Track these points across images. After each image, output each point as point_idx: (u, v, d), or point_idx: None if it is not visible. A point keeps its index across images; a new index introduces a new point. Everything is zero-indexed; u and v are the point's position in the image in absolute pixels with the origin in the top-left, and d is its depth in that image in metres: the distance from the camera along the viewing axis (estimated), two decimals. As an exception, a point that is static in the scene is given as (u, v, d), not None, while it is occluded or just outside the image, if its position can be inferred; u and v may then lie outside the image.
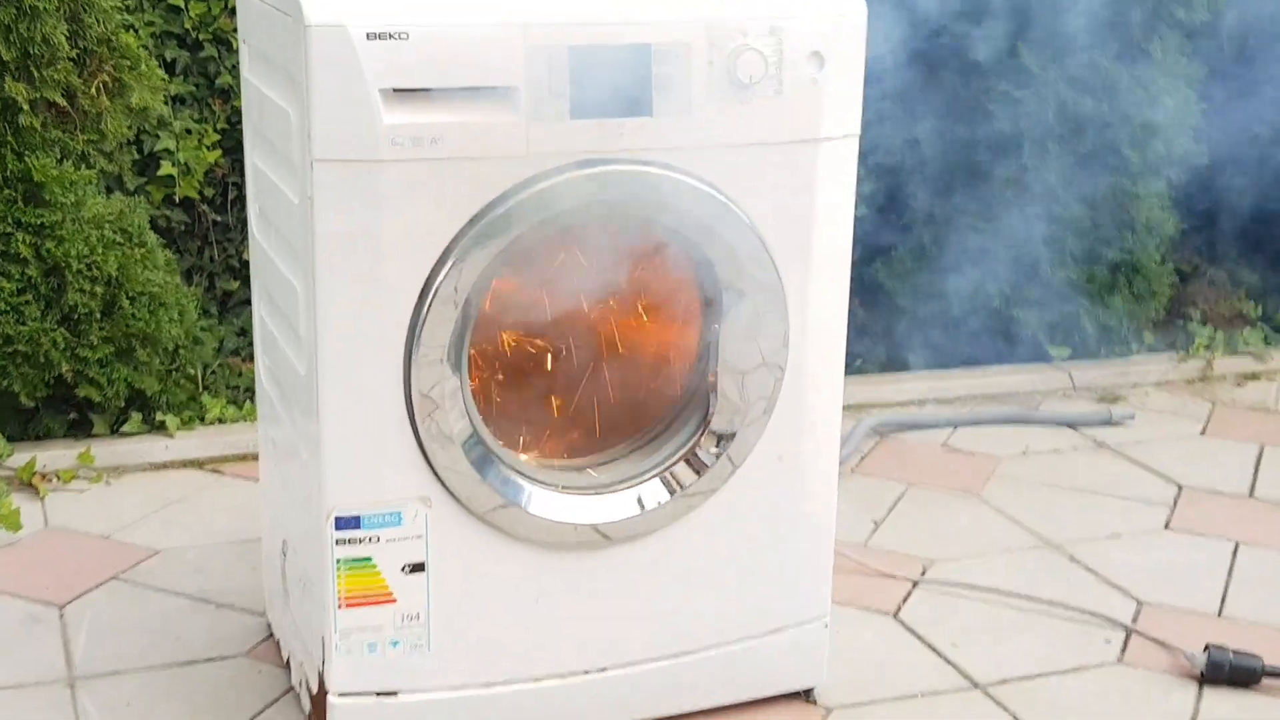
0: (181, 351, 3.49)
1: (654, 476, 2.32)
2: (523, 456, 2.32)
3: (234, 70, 4.02)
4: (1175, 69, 4.09)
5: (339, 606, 2.21)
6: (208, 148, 4.05)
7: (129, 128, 3.47)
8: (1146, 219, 4.12)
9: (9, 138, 3.25)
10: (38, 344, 3.24)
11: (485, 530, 2.25)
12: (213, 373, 3.83)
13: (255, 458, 3.28)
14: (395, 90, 2.03)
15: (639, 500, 2.31)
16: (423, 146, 2.05)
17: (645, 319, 2.36)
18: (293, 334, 2.25)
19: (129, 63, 3.39)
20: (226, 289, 4.23)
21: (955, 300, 4.13)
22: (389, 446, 2.17)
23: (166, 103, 3.95)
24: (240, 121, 4.04)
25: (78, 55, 3.33)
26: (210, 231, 4.19)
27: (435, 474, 2.19)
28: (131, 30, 3.55)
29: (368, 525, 2.19)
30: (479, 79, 2.06)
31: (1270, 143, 4.69)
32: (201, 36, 3.99)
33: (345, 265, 2.08)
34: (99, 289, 3.31)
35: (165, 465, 3.40)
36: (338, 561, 2.19)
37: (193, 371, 3.51)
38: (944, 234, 4.17)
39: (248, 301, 4.16)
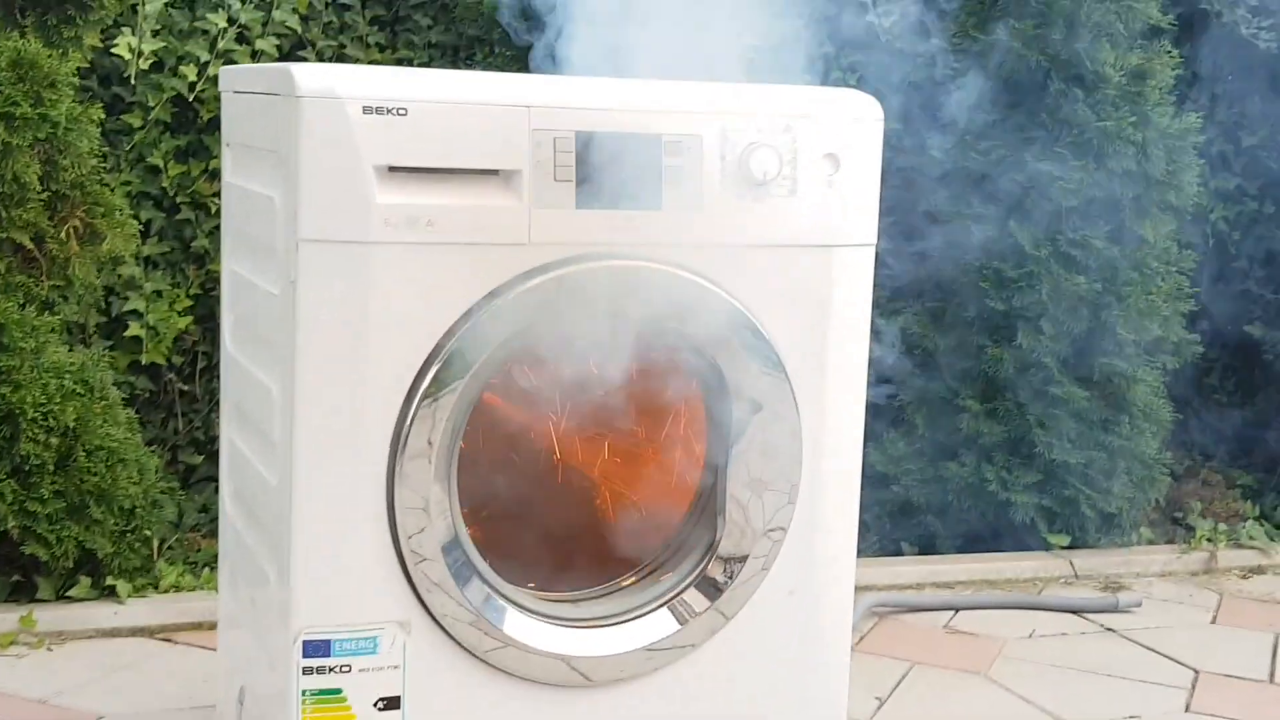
0: (139, 512, 3.28)
1: (660, 606, 2.12)
2: (514, 585, 2.11)
3: (211, 234, 3.91)
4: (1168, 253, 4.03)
5: (304, 744, 1.98)
6: (179, 313, 3.91)
7: (98, 277, 3.32)
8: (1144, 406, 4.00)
9: (-30, 280, 3.10)
10: (-16, 495, 3.04)
11: (471, 663, 2.04)
12: (170, 547, 3.61)
13: (213, 626, 3.06)
14: (390, 168, 1.91)
15: (646, 629, 2.11)
16: (418, 229, 1.92)
17: (648, 434, 2.19)
18: (265, 444, 2.07)
19: (102, 209, 3.27)
20: (190, 463, 4.04)
21: (951, 484, 3.97)
22: (367, 562, 1.98)
23: (138, 263, 3.83)
24: (215, 289, 3.93)
25: (49, 198, 3.21)
26: (176, 402, 4.03)
27: (417, 595, 2.00)
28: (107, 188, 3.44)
29: (339, 652, 1.98)
30: (480, 160, 1.94)
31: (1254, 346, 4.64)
32: (179, 199, 3.89)
33: (327, 357, 1.92)
34: (54, 440, 3.12)
35: (113, 632, 3.16)
36: (303, 694, 1.97)
37: (149, 534, 3.30)
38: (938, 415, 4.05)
39: (211, 478, 3.97)
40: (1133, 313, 3.92)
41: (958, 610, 3.61)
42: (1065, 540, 3.99)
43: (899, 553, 3.97)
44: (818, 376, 2.14)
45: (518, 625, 2.04)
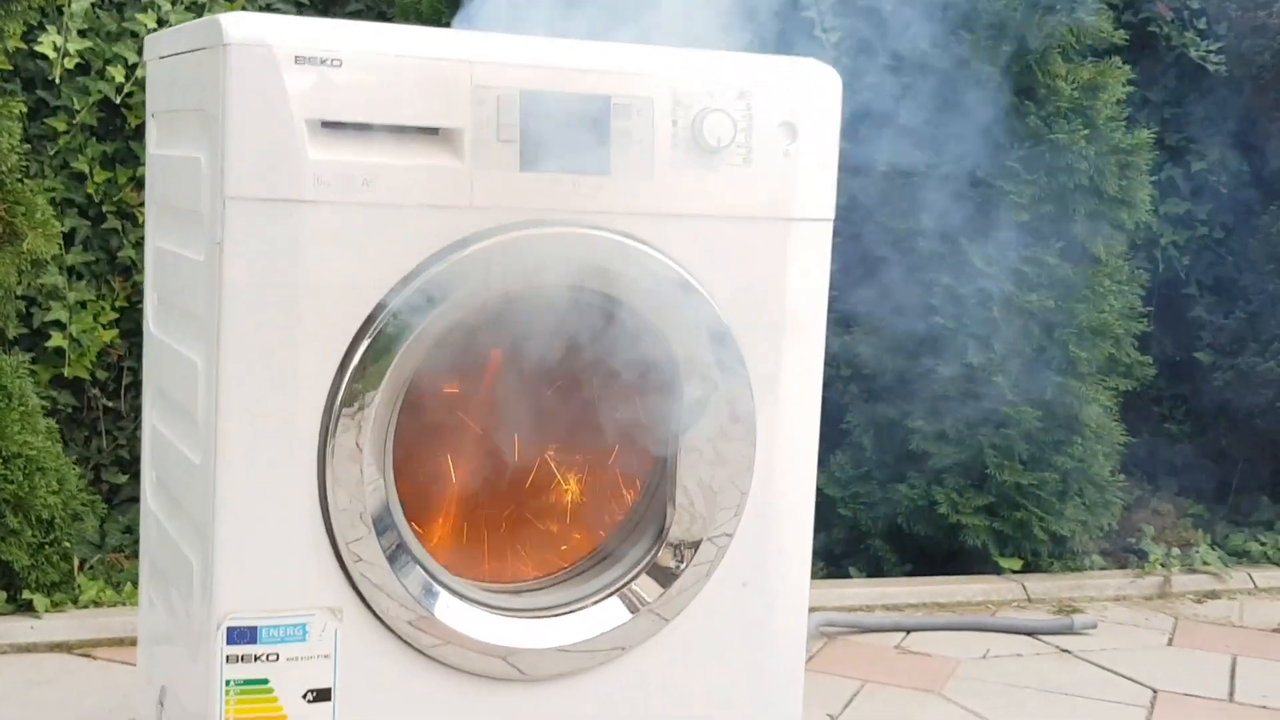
0: (58, 524, 3.13)
1: (611, 595, 2.00)
2: (452, 574, 1.99)
3: (137, 246, 3.77)
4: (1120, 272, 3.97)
5: (225, 741, 1.85)
6: (103, 325, 3.77)
7: (18, 280, 3.18)
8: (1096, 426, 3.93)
9: (-119, 276, 2.96)
10: (-108, 502, 2.88)
11: (406, 653, 1.92)
12: (91, 567, 3.46)
13: (134, 642, 2.91)
14: (324, 124, 1.80)
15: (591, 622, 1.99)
16: (352, 189, 1.81)
17: (595, 414, 2.07)
18: (189, 423, 1.95)
19: (23, 208, 3.14)
20: (114, 483, 3.89)
21: (901, 504, 3.88)
22: (296, 544, 1.85)
23: (62, 272, 3.69)
24: (141, 301, 3.79)
25: (-33, 194, 3.07)
26: (100, 419, 3.88)
27: (349, 580, 1.87)
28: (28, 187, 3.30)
29: (266, 639, 1.85)
30: (419, 117, 1.83)
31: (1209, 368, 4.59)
32: (105, 208, 3.76)
33: (255, 325, 1.80)
34: (-32, 446, 2.97)
35: (29, 647, 3.00)
36: (227, 684, 1.84)
37: (68, 546, 3.14)
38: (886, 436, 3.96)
39: (136, 499, 3.82)
40: (1085, 332, 3.86)
41: (909, 631, 3.50)
42: (1017, 564, 3.90)
43: (846, 578, 3.87)
44: (773, 355, 2.04)
45: (456, 613, 1.92)
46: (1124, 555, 4.23)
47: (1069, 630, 3.55)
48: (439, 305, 1.84)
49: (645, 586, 2.01)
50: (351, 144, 1.81)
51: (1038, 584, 3.84)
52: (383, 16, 4.07)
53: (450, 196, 1.85)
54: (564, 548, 2.08)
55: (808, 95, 2.03)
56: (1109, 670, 3.30)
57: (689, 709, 2.08)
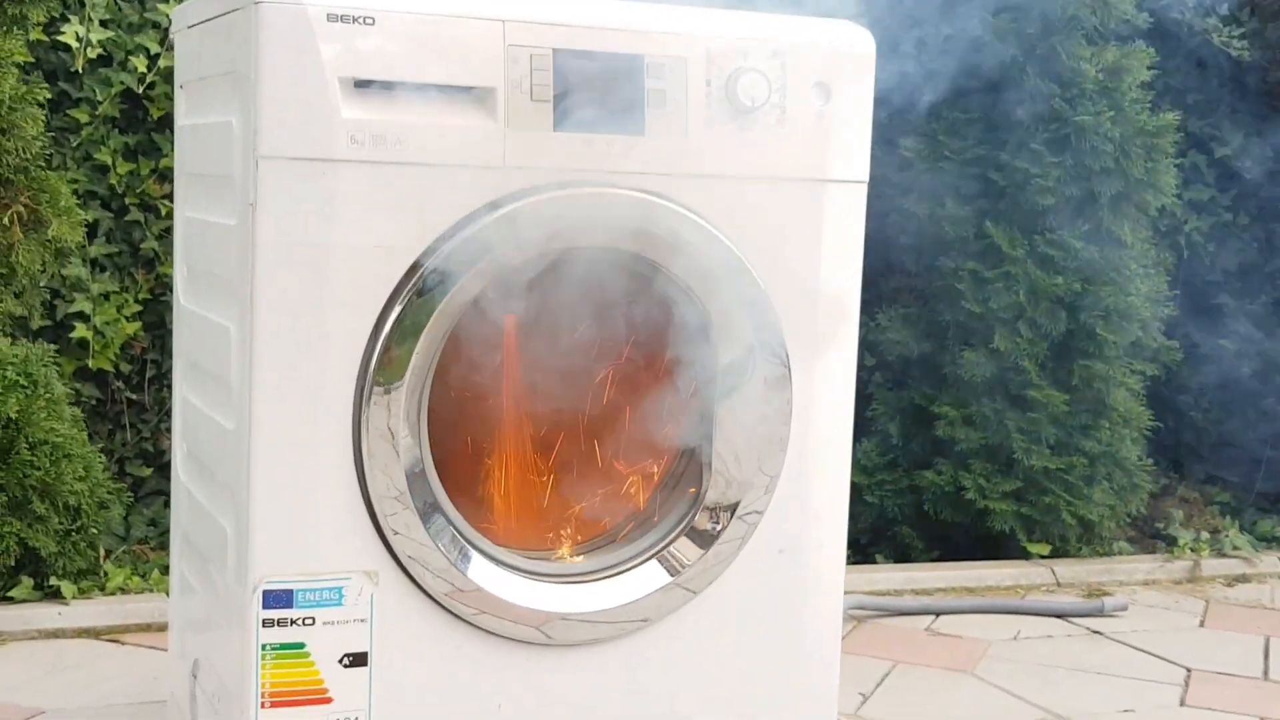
0: (85, 511, 3.12)
1: (650, 558, 1.98)
2: (488, 537, 1.97)
3: (161, 237, 3.77)
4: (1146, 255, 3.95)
5: (262, 706, 1.83)
6: (127, 318, 3.76)
7: (43, 268, 3.17)
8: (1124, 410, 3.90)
9: (-93, 263, 2.96)
10: (-80, 487, 2.87)
11: (442, 617, 1.90)
12: (117, 558, 3.45)
13: (163, 628, 2.90)
14: (357, 82, 1.78)
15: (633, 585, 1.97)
16: (385, 147, 1.80)
17: (633, 377, 2.06)
18: (223, 390, 1.93)
19: (48, 195, 3.13)
20: (138, 475, 3.88)
21: (928, 490, 3.86)
22: (331, 508, 1.84)
23: (85, 264, 3.69)
24: (165, 294, 3.79)
25: (-8, 182, 3.07)
26: (124, 412, 3.87)
27: (385, 542, 1.86)
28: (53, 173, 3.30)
29: (302, 603, 1.83)
30: (452, 76, 1.82)
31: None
32: (128, 199, 3.75)
33: (288, 287, 1.79)
34: (-5, 431, 2.96)
35: (57, 633, 2.99)
36: (264, 648, 1.83)
37: (95, 533, 3.13)
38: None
39: (160, 491, 3.81)
40: (1112, 315, 3.83)
41: (939, 614, 3.48)
42: (1046, 549, 3.87)
43: (872, 561, 3.85)
44: (809, 319, 2.02)
45: (494, 577, 1.90)
46: (1152, 541, 4.20)
47: (1100, 612, 3.52)
48: (474, 266, 1.83)
49: (684, 549, 1.99)
50: (385, 103, 1.80)
51: (1067, 569, 3.82)
52: None
53: (484, 156, 1.84)
54: (601, 513, 2.07)
55: (841, 56, 2.02)
56: (1141, 650, 3.27)
57: (724, 678, 2.06)
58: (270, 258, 1.78)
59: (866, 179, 2.06)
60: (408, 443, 1.85)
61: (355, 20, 1.77)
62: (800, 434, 2.04)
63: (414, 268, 1.82)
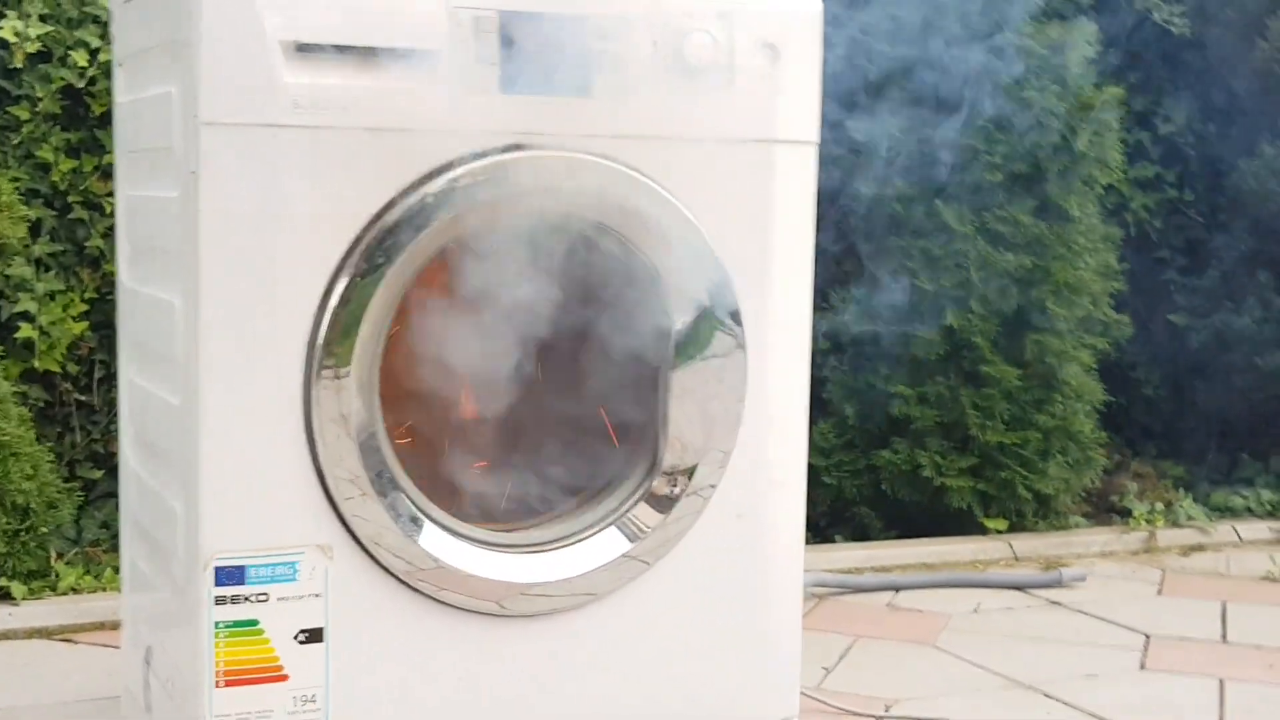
0: (34, 512, 3.07)
1: (608, 525, 1.97)
2: (443, 508, 1.95)
3: (106, 236, 3.72)
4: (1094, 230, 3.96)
5: (216, 685, 1.80)
6: (73, 318, 3.71)
7: (-16, 264, 3.13)
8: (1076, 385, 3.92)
9: None
10: None
11: (399, 590, 1.88)
12: (69, 561, 3.40)
13: (116, 626, 2.86)
14: (299, 46, 1.76)
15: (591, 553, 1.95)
16: (330, 113, 1.77)
17: (584, 339, 2.04)
18: (168, 366, 1.90)
19: (-13, 190, 3.08)
20: (89, 478, 3.82)
21: (885, 469, 3.86)
22: (282, 481, 1.81)
23: (29, 263, 3.64)
24: (112, 293, 3.74)
25: (-71, 177, 3.02)
26: (74, 414, 3.81)
27: (338, 515, 1.83)
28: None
29: (254, 579, 1.80)
30: (397, 39, 1.80)
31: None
32: (71, 198, 3.70)
33: (233, 257, 1.76)
34: (-61, 429, 2.91)
35: (7, 634, 2.94)
36: (216, 625, 1.79)
37: (45, 533, 3.08)
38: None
39: (112, 494, 3.75)
40: (1063, 290, 3.84)
41: (898, 590, 3.48)
42: (1003, 525, 3.88)
43: (830, 540, 3.85)
44: (761, 280, 2.01)
45: (450, 548, 1.88)
46: (1107, 516, 4.21)
47: (1058, 583, 3.53)
48: (422, 232, 1.81)
49: (643, 514, 1.97)
50: (328, 67, 1.77)
51: (1024, 543, 3.83)
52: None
53: (431, 120, 1.82)
54: (557, 480, 2.05)
55: (789, 16, 2.01)
56: (1100, 619, 3.28)
57: (687, 650, 2.04)
58: (214, 226, 1.75)
59: (817, 140, 2.05)
60: (360, 413, 1.82)
61: (296, -17, 1.74)
62: (757, 398, 2.02)
63: (361, 233, 1.80)
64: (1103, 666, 2.93)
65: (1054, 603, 3.42)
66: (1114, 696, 2.74)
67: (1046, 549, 3.83)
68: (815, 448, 3.92)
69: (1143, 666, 2.95)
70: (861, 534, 3.93)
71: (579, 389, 2.05)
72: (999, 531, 3.86)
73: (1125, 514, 4.11)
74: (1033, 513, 3.92)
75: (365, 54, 1.78)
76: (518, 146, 1.86)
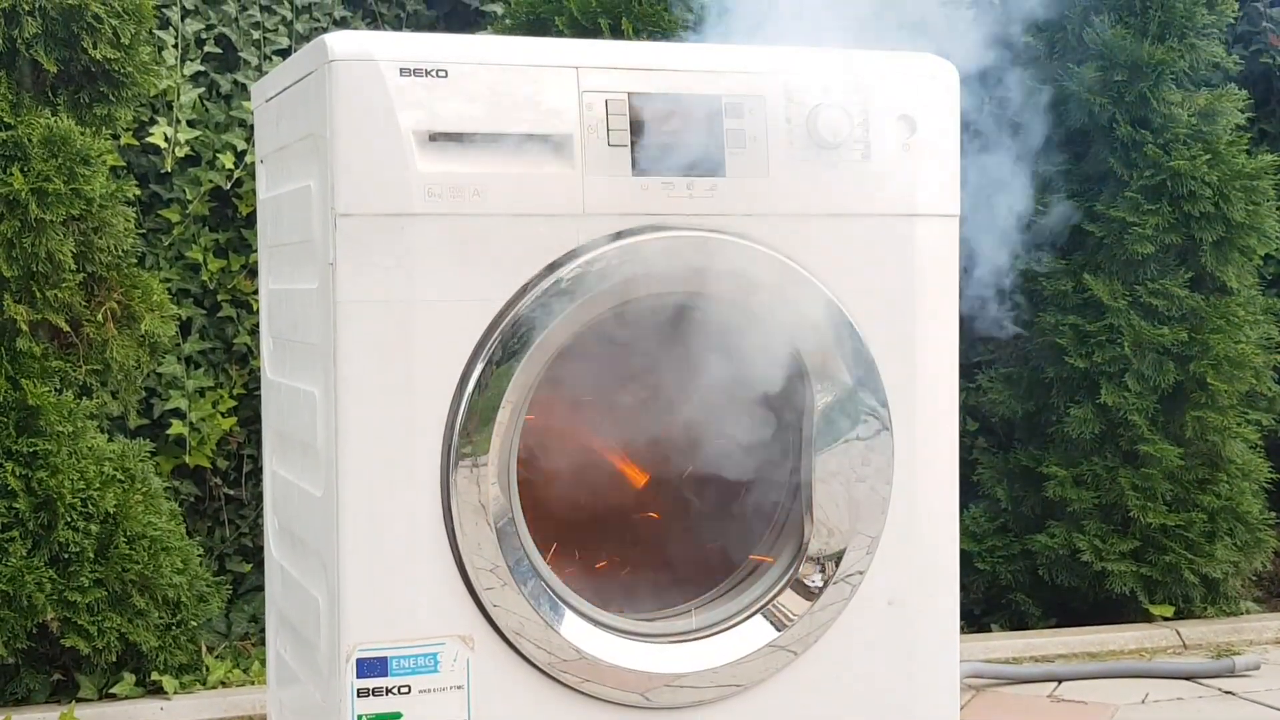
0: (184, 605, 3.10)
1: (754, 613, 1.91)
2: (582, 599, 1.91)
3: (253, 333, 3.78)
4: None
5: (360, 779, 1.78)
6: (222, 414, 3.77)
7: (136, 362, 3.18)
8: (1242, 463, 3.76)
9: (4, 363, 2.97)
10: (20, 584, 2.86)
11: (542, 682, 1.84)
12: (219, 655, 3.42)
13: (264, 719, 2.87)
14: (432, 135, 1.76)
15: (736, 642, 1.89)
16: (463, 199, 1.77)
17: (723, 422, 1.99)
18: (309, 457, 1.90)
19: (139, 290, 3.14)
20: (238, 572, 3.86)
21: (1042, 554, 3.73)
22: (423, 572, 1.79)
23: (179, 361, 3.71)
24: (258, 387, 3.79)
25: (84, 279, 3.09)
26: (223, 509, 3.87)
27: (478, 604, 1.80)
28: (143, 269, 3.32)
29: (396, 670, 1.78)
30: (527, 125, 1.79)
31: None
32: (220, 296, 3.77)
33: (371, 344, 1.76)
34: (93, 527, 2.95)
35: (160, 730, 2.96)
36: (359, 718, 1.77)
37: (195, 625, 3.11)
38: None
39: (260, 588, 3.79)
40: (1223, 363, 3.71)
41: (1061, 680, 3.34)
42: (1169, 611, 3.73)
43: (987, 629, 3.73)
44: (907, 357, 1.96)
45: (592, 639, 1.84)
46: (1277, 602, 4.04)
47: (1230, 672, 3.37)
48: (557, 316, 1.79)
49: (790, 602, 1.92)
50: (461, 155, 1.77)
51: (1192, 629, 3.67)
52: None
53: (563, 204, 1.80)
54: (700, 570, 2.00)
55: (925, 87, 1.97)
56: (1277, 710, 3.12)
57: (840, 737, 1.97)
58: (352, 314, 1.75)
59: (958, 212, 2.00)
60: (498, 500, 1.80)
61: (428, 74, 1.75)
62: (905, 478, 1.96)
63: (497, 319, 1.79)
64: (1281, 758, 2.79)
65: (1227, 692, 3.26)
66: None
67: (1216, 636, 3.66)
68: (967, 532, 3.82)
69: (1327, 759, 2.80)
70: (1019, 622, 3.80)
71: (720, 475, 2.00)
72: (1165, 618, 3.71)
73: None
74: (1200, 598, 3.76)
75: (497, 140, 1.78)
76: (652, 229, 1.83)
